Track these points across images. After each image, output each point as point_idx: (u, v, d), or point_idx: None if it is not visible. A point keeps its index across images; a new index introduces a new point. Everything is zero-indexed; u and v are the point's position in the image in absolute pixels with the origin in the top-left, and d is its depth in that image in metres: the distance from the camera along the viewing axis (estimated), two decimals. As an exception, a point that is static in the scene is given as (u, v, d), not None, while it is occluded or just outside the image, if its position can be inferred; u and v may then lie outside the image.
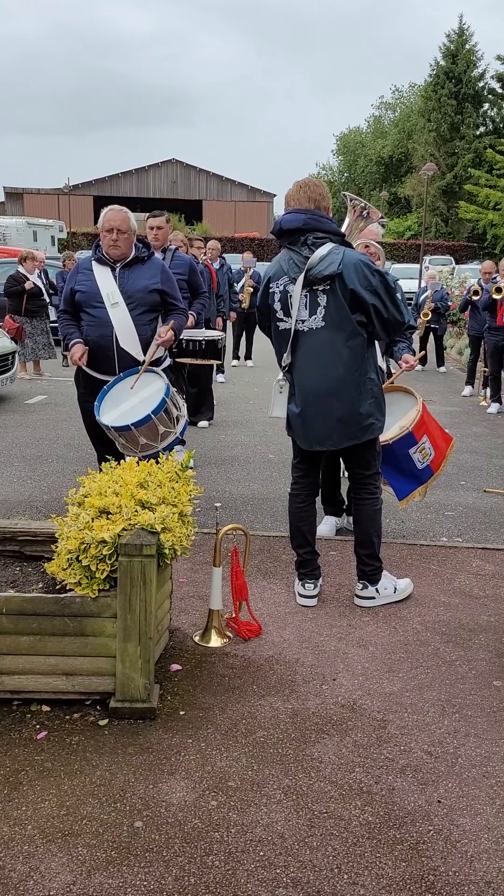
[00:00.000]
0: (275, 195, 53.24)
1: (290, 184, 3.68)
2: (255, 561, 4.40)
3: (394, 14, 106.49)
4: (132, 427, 4.02)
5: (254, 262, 12.99)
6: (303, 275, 3.53)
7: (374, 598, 3.88)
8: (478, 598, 4.03)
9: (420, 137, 44.98)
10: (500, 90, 43.04)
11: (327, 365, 3.60)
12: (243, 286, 12.16)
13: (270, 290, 3.69)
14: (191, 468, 3.23)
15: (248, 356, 13.06)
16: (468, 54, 42.80)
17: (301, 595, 3.89)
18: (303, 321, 3.60)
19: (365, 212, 4.14)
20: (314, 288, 3.54)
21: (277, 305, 3.67)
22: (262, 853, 2.17)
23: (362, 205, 4.12)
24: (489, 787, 2.51)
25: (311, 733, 2.77)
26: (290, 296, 3.59)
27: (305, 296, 3.57)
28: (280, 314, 3.68)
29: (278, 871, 2.11)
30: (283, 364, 3.73)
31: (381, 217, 4.44)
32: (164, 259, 5.81)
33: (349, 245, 3.66)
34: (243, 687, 3.05)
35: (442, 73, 43.11)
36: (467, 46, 42.98)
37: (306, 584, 3.89)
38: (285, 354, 3.69)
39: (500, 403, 9.63)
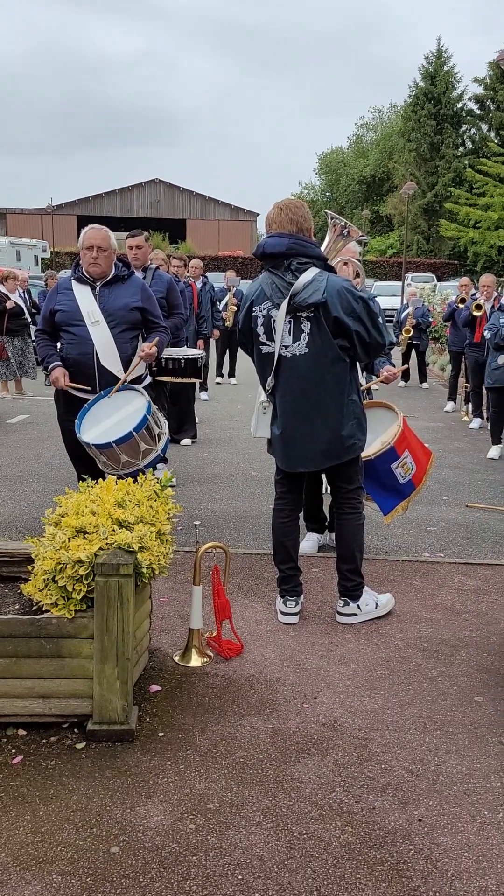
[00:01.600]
0: (258, 214, 53.66)
1: (273, 203, 3.70)
2: (237, 579, 4.38)
3: (375, 36, 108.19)
4: (114, 444, 4.00)
5: (237, 280, 13.03)
6: (287, 301, 3.54)
7: (356, 614, 3.87)
8: (459, 614, 4.02)
9: (401, 157, 45.56)
10: (478, 111, 43.80)
11: (310, 390, 3.62)
12: (226, 304, 12.20)
13: (253, 314, 3.69)
14: (172, 486, 3.23)
15: (231, 374, 13.09)
16: (447, 76, 43.52)
17: (283, 612, 3.87)
18: (286, 347, 3.62)
19: (345, 230, 4.17)
20: (298, 314, 3.56)
21: (261, 329, 3.68)
22: (240, 877, 2.14)
23: (342, 224, 4.15)
24: (470, 805, 2.49)
25: (292, 753, 2.74)
26: (274, 321, 3.60)
27: (289, 322, 3.58)
28: (263, 338, 3.68)
29: (256, 894, 2.08)
30: (267, 387, 3.74)
31: (362, 235, 4.48)
32: (143, 278, 5.83)
33: (331, 269, 3.69)
34: (223, 707, 3.02)
35: (421, 94, 43.78)
36: (446, 68, 43.72)
37: (288, 602, 3.88)
38: (269, 378, 3.71)
39: (482, 419, 9.68)
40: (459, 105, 43.88)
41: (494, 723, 2.99)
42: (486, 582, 4.48)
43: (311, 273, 3.54)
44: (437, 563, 4.79)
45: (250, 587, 4.29)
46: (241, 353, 13.15)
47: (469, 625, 3.89)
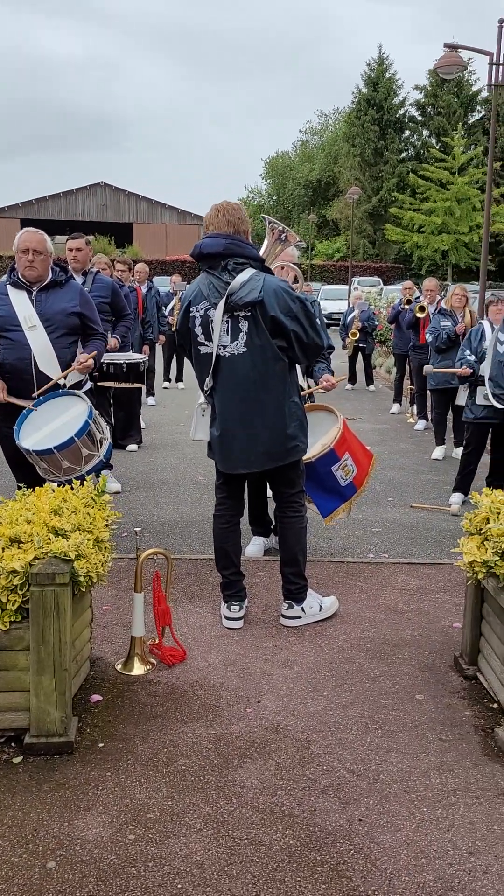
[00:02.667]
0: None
1: (211, 206, 3.70)
2: (182, 585, 4.35)
3: (319, 41, 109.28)
4: (55, 451, 3.94)
5: (184, 285, 12.99)
6: (224, 300, 3.54)
7: (300, 616, 3.88)
8: (402, 613, 4.07)
9: (345, 162, 46.06)
10: (419, 118, 44.58)
11: (249, 389, 3.62)
12: (173, 309, 12.16)
13: (191, 315, 3.68)
14: (117, 492, 3.19)
15: (178, 378, 13.04)
16: (388, 82, 44.16)
17: (227, 617, 3.86)
18: (224, 346, 3.61)
19: (283, 235, 4.19)
20: (235, 314, 3.57)
21: (198, 330, 3.67)
22: (179, 885, 2.12)
23: (280, 228, 4.17)
24: (409, 803, 2.52)
25: (234, 758, 2.73)
26: (212, 321, 3.60)
27: (227, 321, 3.58)
28: (201, 338, 3.68)
29: (196, 903, 2.07)
30: (206, 388, 3.73)
31: (300, 241, 4.51)
32: (84, 282, 5.76)
33: (269, 270, 3.70)
34: (166, 715, 3.00)
35: (364, 100, 44.34)
36: (388, 75, 44.35)
37: (231, 606, 3.87)
38: (207, 379, 3.70)
39: (427, 420, 9.83)
40: (402, 111, 44.59)
41: (434, 720, 3.03)
42: (428, 581, 4.55)
43: (248, 273, 3.56)
44: (382, 564, 4.85)
45: (195, 592, 4.27)
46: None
47: (411, 624, 3.94)
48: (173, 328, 11.82)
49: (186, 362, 13.05)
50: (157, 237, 49.49)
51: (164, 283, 14.55)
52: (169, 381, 13.00)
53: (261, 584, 4.40)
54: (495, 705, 3.12)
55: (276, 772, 2.66)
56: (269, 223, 4.18)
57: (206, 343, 3.66)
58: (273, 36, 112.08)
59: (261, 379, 3.61)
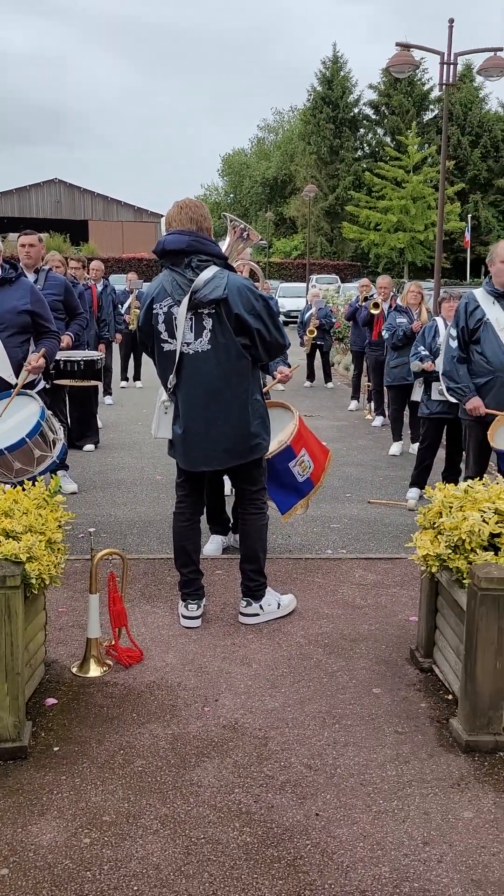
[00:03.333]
0: (162, 216, 53.33)
1: (173, 203, 3.70)
2: (139, 585, 4.33)
3: (275, 39, 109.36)
4: (5, 452, 3.89)
5: (140, 283, 12.92)
6: (188, 297, 3.53)
7: (258, 614, 3.89)
8: (360, 608, 4.10)
9: (302, 160, 46.26)
10: (374, 116, 44.98)
11: (213, 387, 3.62)
12: (129, 307, 12.07)
13: (154, 312, 3.66)
14: (74, 493, 3.15)
15: (136, 377, 12.95)
16: (343, 81, 44.48)
17: (184, 616, 3.85)
18: (188, 344, 3.60)
19: (245, 233, 4.19)
20: (199, 311, 3.56)
21: (162, 327, 3.64)
22: (136, 888, 2.11)
23: (242, 226, 4.17)
24: (366, 795, 2.54)
25: (192, 757, 2.72)
26: (175, 318, 3.58)
27: (191, 319, 3.57)
28: (164, 336, 3.65)
29: (152, 904, 2.06)
30: (169, 385, 3.70)
31: (261, 240, 4.52)
32: (36, 280, 5.69)
33: (231, 268, 3.70)
34: (122, 716, 2.98)
35: (319, 99, 44.59)
36: (342, 73, 44.66)
37: (189, 605, 3.86)
38: (171, 376, 3.67)
39: (384, 416, 9.92)
40: (356, 110, 44.93)
41: (391, 712, 3.06)
42: (385, 576, 4.59)
43: (212, 270, 3.55)
44: (340, 560, 4.87)
45: (153, 592, 4.25)
46: (146, 356, 13.02)
47: (369, 618, 3.97)
48: (130, 326, 11.76)
49: (145, 361, 12.97)
50: (113, 235, 49.07)
51: (119, 281, 14.41)
52: (126, 380, 12.91)
53: (219, 583, 4.40)
54: (450, 696, 3.16)
55: (234, 770, 2.66)
56: (231, 221, 4.17)
57: (170, 340, 3.64)
58: (229, 32, 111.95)
59: (224, 376, 3.61)
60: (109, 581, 3.37)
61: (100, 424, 8.41)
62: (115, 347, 11.41)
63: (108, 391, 10.93)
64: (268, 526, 3.99)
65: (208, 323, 3.57)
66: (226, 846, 2.28)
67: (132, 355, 12.79)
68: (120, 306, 11.20)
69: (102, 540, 5.10)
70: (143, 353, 12.85)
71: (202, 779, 2.60)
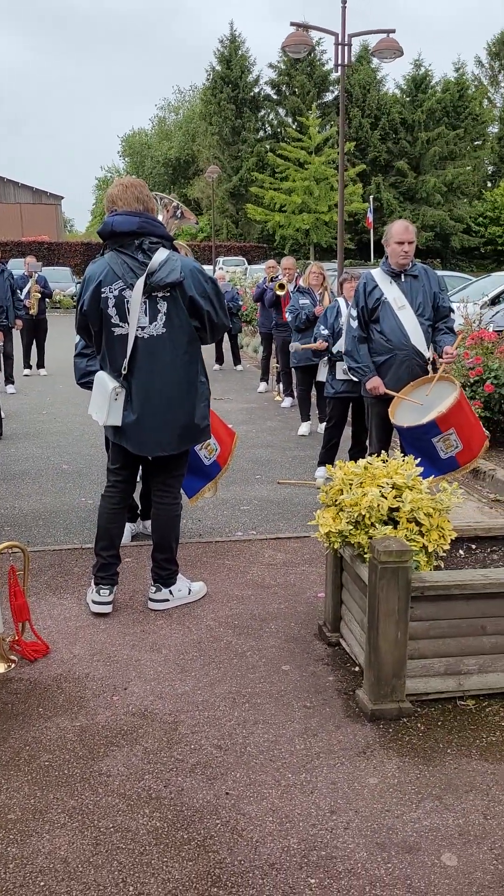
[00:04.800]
0: (62, 197, 52.05)
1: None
2: (45, 577, 4.24)
3: (172, 15, 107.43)
4: None
5: (39, 266, 12.56)
6: (143, 281, 3.46)
7: (168, 599, 3.87)
8: (269, 588, 4.15)
9: (204, 140, 45.84)
10: (275, 96, 44.96)
11: (167, 371, 3.58)
12: (28, 292, 11.72)
13: (103, 295, 3.54)
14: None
15: (40, 364, 12.62)
16: (242, 60, 44.18)
17: (95, 602, 3.79)
18: (143, 328, 3.54)
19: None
20: (154, 294, 3.51)
21: (112, 311, 3.54)
22: (42, 883, 2.08)
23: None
24: (275, 771, 2.58)
25: (100, 748, 2.70)
26: (128, 301, 3.50)
27: (144, 302, 3.51)
28: (115, 320, 3.55)
29: (60, 898, 2.03)
30: (123, 370, 3.59)
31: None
32: None
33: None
34: (28, 712, 2.92)
35: (218, 78, 44.18)
36: (240, 52, 44.37)
37: (102, 590, 3.80)
38: (123, 361, 3.58)
39: (293, 397, 10.02)
40: (257, 90, 44.78)
41: (300, 688, 3.12)
42: (294, 555, 4.66)
43: (164, 253, 3.52)
44: (250, 541, 4.91)
45: (59, 584, 4.17)
46: (49, 342, 12.70)
47: (278, 597, 4.02)
48: (31, 311, 11.43)
49: (49, 347, 12.65)
50: (11, 217, 47.42)
51: (18, 266, 13.97)
52: (30, 367, 12.56)
53: (128, 570, 4.35)
54: (357, 668, 3.25)
55: (144, 756, 2.65)
56: (162, 199, 4.10)
57: (121, 324, 3.55)
58: (122, 8, 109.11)
59: (179, 360, 3.60)
60: (10, 575, 3.29)
61: (2, 414, 8.16)
62: (17, 334, 11.08)
63: (9, 380, 10.61)
64: (181, 515, 3.98)
65: (163, 306, 3.53)
66: (135, 833, 2.28)
67: (34, 342, 12.45)
68: (19, 291, 10.86)
69: (6, 533, 4.96)
70: (46, 341, 12.41)
71: (111, 768, 2.58)
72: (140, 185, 3.64)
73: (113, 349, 3.63)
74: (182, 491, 4.61)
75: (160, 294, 3.52)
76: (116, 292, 3.53)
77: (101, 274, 3.56)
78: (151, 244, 3.52)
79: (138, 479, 5.11)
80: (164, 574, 3.88)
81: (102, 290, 3.55)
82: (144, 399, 3.62)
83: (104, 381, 3.64)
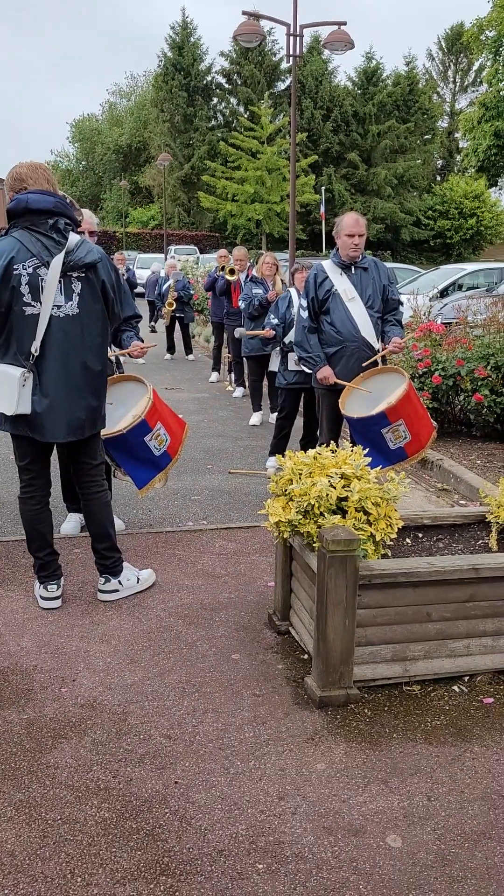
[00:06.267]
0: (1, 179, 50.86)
1: (17, 162, 3.62)
2: (-8, 569, 4.17)
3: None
4: None
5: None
6: (61, 258, 3.43)
7: (117, 590, 3.85)
8: (220, 577, 4.16)
9: (155, 127, 45.38)
10: (226, 85, 44.71)
11: (79, 352, 3.57)
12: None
13: (15, 272, 3.41)
14: None
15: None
16: (193, 48, 43.82)
17: (43, 598, 3.75)
18: (59, 307, 3.50)
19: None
20: (69, 274, 3.50)
21: (25, 289, 3.43)
22: (-11, 878, 2.06)
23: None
24: (224, 759, 2.60)
25: (48, 740, 2.68)
26: (42, 279, 3.44)
27: (60, 281, 3.47)
28: (27, 298, 3.44)
29: (6, 891, 2.02)
30: (34, 351, 3.46)
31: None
32: None
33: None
34: (-26, 705, 2.88)
35: (170, 65, 43.75)
36: (192, 40, 43.98)
37: (49, 586, 3.76)
38: (34, 342, 3.46)
39: (244, 387, 10.03)
40: (209, 78, 44.47)
41: (249, 676, 3.14)
42: (245, 544, 4.67)
43: (77, 236, 3.53)
44: (201, 531, 4.91)
45: (6, 576, 4.11)
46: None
47: (228, 587, 4.04)
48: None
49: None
50: (-41, 202, 46.31)
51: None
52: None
53: (77, 561, 4.32)
54: (305, 656, 3.28)
55: (92, 748, 2.64)
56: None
57: (33, 303, 3.46)
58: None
59: (90, 340, 3.60)
60: (-45, 567, 3.23)
61: None
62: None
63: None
64: (110, 500, 3.95)
65: (77, 286, 3.53)
66: (83, 824, 2.27)
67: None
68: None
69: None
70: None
71: (59, 760, 2.57)
72: (48, 169, 3.64)
73: (21, 329, 3.46)
74: (132, 481, 4.60)
75: (75, 274, 3.52)
76: (31, 269, 3.44)
77: (12, 251, 3.43)
78: (67, 225, 3.51)
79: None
80: (110, 563, 3.85)
81: (14, 266, 3.41)
82: (56, 381, 3.52)
83: (6, 371, 3.48)
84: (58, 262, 3.44)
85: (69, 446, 3.84)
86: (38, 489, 3.79)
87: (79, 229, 3.67)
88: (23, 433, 3.62)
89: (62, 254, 3.44)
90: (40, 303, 3.46)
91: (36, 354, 3.48)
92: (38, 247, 3.45)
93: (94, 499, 3.83)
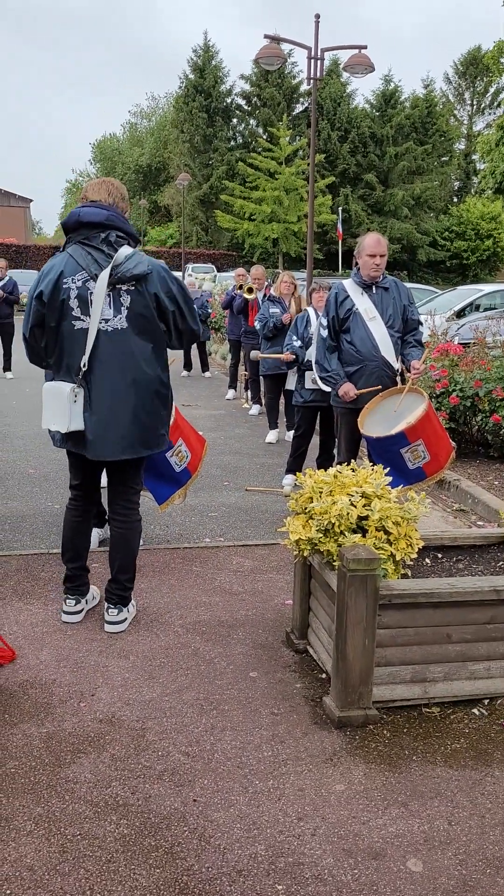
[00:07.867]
0: (31, 200, 51.70)
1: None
2: (12, 582, 4.19)
3: (145, 21, 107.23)
4: None
5: (2, 268, 12.42)
6: (108, 272, 3.36)
7: (126, 619, 3.73)
8: (237, 595, 4.16)
9: (175, 147, 45.89)
10: (246, 107, 45.21)
11: (129, 367, 3.44)
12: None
13: (64, 286, 3.41)
14: None
15: (7, 368, 12.48)
16: (215, 70, 44.39)
17: (65, 612, 3.75)
18: (106, 321, 3.42)
19: None
20: (118, 287, 3.41)
21: (74, 303, 3.42)
22: (8, 891, 2.05)
23: None
24: (243, 777, 2.58)
25: (67, 755, 2.68)
26: (91, 293, 3.39)
27: (109, 294, 3.41)
28: (76, 312, 3.42)
29: (26, 907, 2.01)
30: (83, 366, 3.43)
31: None
32: None
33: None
34: (-7, 718, 2.88)
35: (191, 87, 44.31)
36: (214, 62, 44.57)
37: (68, 601, 3.76)
38: (84, 357, 3.43)
39: (261, 405, 10.05)
40: (229, 100, 44.99)
41: (267, 695, 3.13)
42: (262, 562, 4.67)
43: (129, 248, 3.45)
44: (218, 548, 4.91)
45: (26, 589, 4.13)
46: (16, 346, 12.57)
47: (245, 604, 4.03)
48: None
49: (15, 351, 12.51)
50: (-21, 219, 46.98)
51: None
52: (-3, 370, 12.42)
53: (96, 576, 4.32)
54: (324, 675, 3.27)
55: (111, 763, 2.64)
56: None
57: (83, 317, 3.42)
58: (81, 9, 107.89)
59: (141, 356, 3.46)
60: (-23, 580, 3.25)
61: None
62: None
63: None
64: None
65: (126, 300, 3.42)
66: (102, 840, 2.26)
67: (1, 344, 12.31)
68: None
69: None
70: (13, 343, 12.25)
71: (78, 775, 2.56)
72: (117, 184, 3.61)
73: (71, 344, 3.45)
74: (152, 497, 4.62)
75: (124, 287, 3.42)
76: (80, 283, 3.41)
77: (62, 265, 3.45)
78: (119, 238, 3.46)
79: (103, 484, 5.08)
80: (127, 595, 3.74)
81: (64, 280, 3.42)
82: (106, 397, 3.44)
83: (57, 388, 3.46)
84: (105, 274, 3.37)
85: (111, 466, 3.68)
86: (83, 503, 3.80)
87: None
88: (74, 450, 3.58)
89: (109, 266, 3.38)
90: (89, 316, 3.42)
91: (84, 369, 3.44)
92: (87, 260, 3.42)
93: (131, 527, 3.73)
